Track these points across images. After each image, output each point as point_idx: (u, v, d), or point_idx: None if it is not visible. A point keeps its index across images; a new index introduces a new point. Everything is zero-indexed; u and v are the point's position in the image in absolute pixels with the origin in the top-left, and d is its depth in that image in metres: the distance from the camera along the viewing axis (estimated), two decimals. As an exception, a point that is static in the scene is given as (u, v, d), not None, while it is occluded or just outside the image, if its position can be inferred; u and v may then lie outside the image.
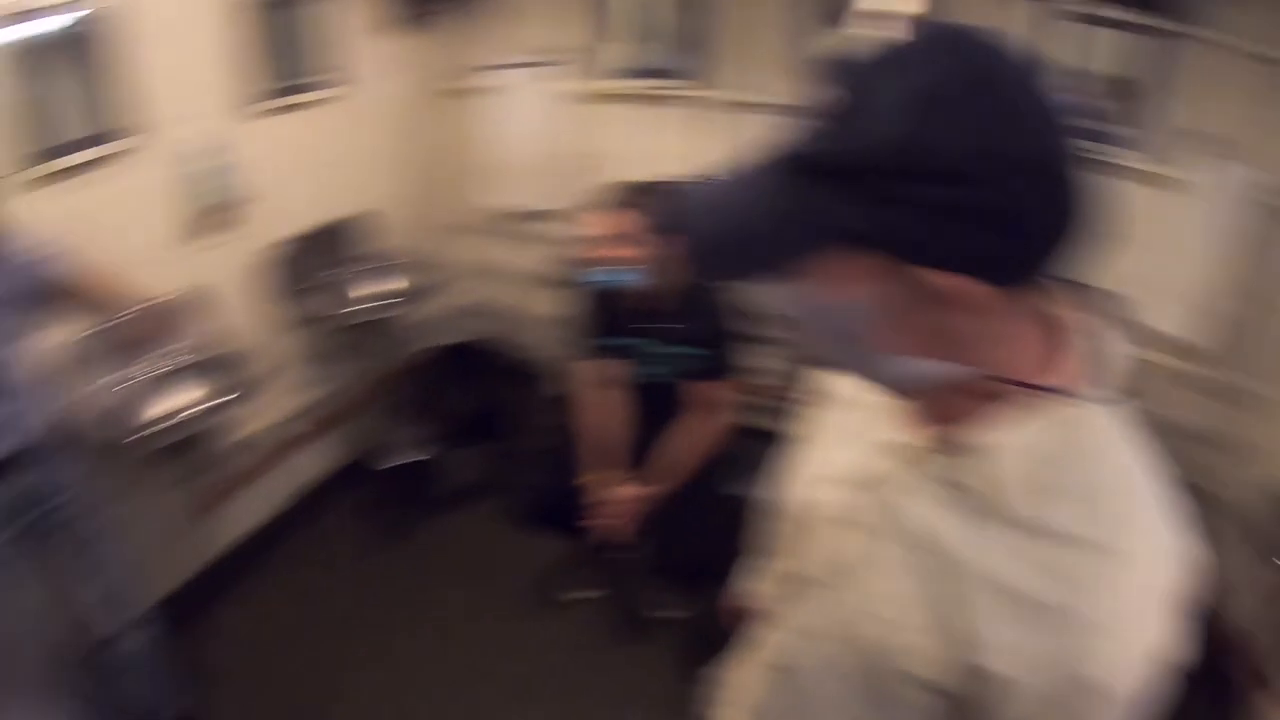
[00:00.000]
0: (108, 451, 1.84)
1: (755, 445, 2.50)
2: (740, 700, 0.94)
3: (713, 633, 1.13)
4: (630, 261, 1.92)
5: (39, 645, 1.77)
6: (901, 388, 0.68)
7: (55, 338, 1.72)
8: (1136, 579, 0.62)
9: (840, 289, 0.60)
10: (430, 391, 2.79)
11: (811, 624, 0.81)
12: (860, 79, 0.56)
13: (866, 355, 0.64)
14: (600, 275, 1.98)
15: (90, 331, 1.79)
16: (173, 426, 1.86)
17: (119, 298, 1.73)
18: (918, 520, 0.69)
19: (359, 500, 2.76)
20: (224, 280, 2.22)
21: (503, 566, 2.60)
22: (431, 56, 2.84)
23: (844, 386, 0.84)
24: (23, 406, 1.58)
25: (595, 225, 1.97)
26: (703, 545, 2.21)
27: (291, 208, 2.41)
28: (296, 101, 2.33)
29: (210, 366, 2.00)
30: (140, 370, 1.88)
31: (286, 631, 2.35)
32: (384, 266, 2.61)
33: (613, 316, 2.12)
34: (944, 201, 0.53)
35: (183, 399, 1.94)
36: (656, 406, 2.15)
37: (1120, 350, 0.67)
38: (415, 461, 2.73)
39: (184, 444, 2.02)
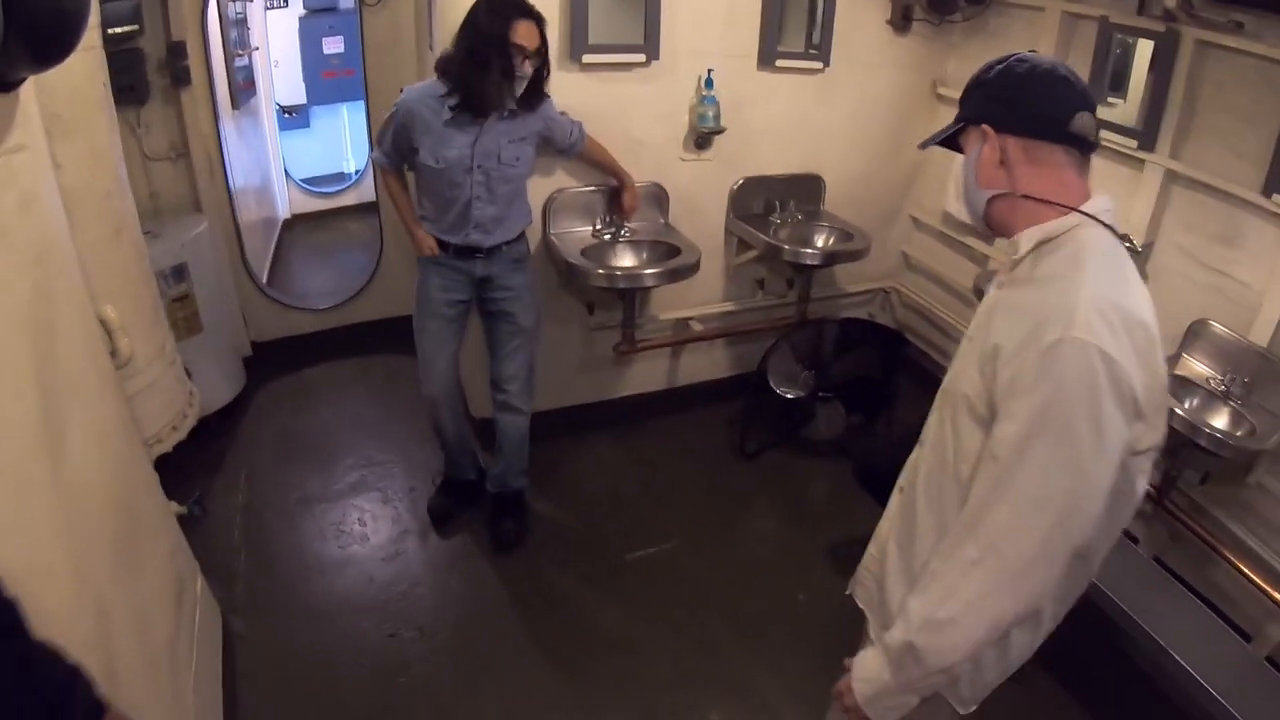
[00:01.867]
0: (567, 280, 2.78)
1: None
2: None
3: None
4: None
5: (451, 387, 2.64)
6: (981, 211, 1.19)
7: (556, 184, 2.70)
8: (1093, 297, 1.00)
9: (966, 150, 1.19)
10: (828, 347, 3.24)
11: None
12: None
13: (969, 190, 1.19)
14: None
15: (587, 189, 2.73)
16: (621, 276, 2.71)
17: (614, 170, 2.64)
18: (987, 303, 1.19)
19: (736, 409, 3.39)
20: (696, 188, 3.05)
21: (822, 515, 2.98)
22: (934, 61, 3.29)
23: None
24: (514, 215, 2.46)
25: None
26: None
27: (762, 153, 3.12)
28: (793, 67, 2.99)
29: (660, 248, 2.82)
30: (609, 230, 2.81)
31: (620, 483, 3.10)
32: (829, 226, 3.20)
33: None
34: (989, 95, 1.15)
35: (631, 260, 2.80)
36: None
37: (1114, 205, 1.12)
38: (796, 398, 3.24)
39: (625, 296, 2.91)
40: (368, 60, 3.41)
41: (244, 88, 3.98)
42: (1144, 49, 2.58)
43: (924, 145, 1.28)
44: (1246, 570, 2.44)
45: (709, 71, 2.83)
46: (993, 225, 1.21)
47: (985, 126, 1.14)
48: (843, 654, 1.32)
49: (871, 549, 1.44)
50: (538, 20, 2.21)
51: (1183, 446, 2.50)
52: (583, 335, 3.17)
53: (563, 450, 3.19)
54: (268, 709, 2.12)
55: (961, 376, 1.18)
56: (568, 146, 2.60)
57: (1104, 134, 2.73)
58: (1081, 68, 2.74)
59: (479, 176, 2.32)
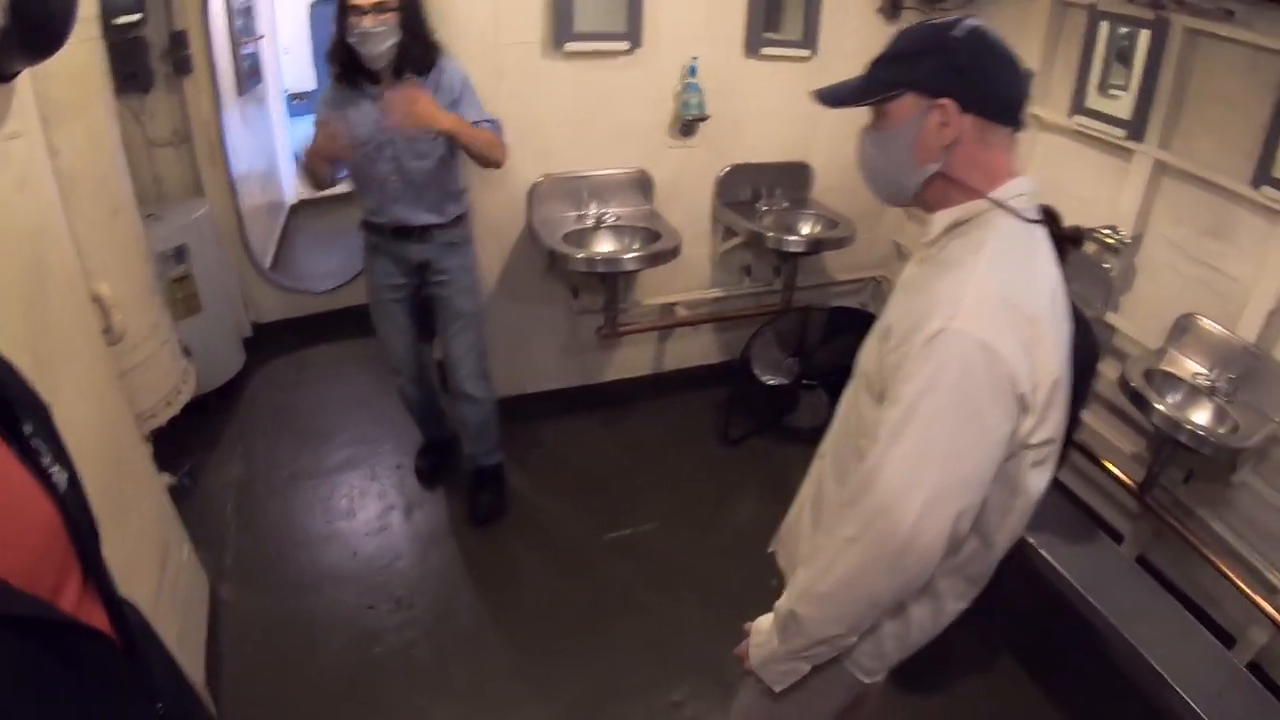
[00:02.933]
0: (551, 265, 2.96)
1: (1052, 501, 2.58)
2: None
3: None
4: None
5: (411, 363, 2.80)
6: (912, 190, 1.19)
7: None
8: (982, 289, 1.05)
9: (894, 120, 1.16)
10: (813, 335, 3.36)
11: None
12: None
13: (896, 166, 1.18)
14: None
15: (571, 175, 2.90)
16: (601, 261, 2.87)
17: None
18: (900, 280, 1.27)
19: (722, 395, 3.54)
20: (681, 174, 3.20)
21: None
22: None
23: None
24: (439, 196, 2.49)
25: None
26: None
27: (748, 140, 3.25)
28: (780, 55, 3.12)
29: (643, 234, 2.98)
30: (591, 216, 2.98)
31: (602, 465, 3.26)
32: (815, 214, 3.34)
33: None
34: (953, 66, 1.10)
35: (615, 246, 2.97)
36: None
37: (1033, 188, 1.15)
38: (779, 385, 3.37)
39: (607, 281, 3.07)
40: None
41: (250, 75, 4.21)
42: (1143, 39, 2.63)
43: (837, 103, 1.23)
44: (1229, 572, 2.50)
45: (693, 59, 2.97)
46: (918, 200, 1.22)
47: (947, 102, 1.11)
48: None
49: (791, 511, 1.55)
50: None
51: (1165, 443, 2.59)
52: (567, 320, 3.35)
53: (547, 432, 3.38)
54: (250, 673, 2.31)
55: (866, 352, 1.28)
56: (477, 119, 2.49)
57: (1094, 124, 2.83)
58: (1071, 57, 2.85)
59: (389, 152, 2.40)
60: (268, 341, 3.71)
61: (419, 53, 2.35)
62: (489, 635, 2.50)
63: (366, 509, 2.93)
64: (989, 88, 1.12)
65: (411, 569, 2.70)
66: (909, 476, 1.07)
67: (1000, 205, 1.13)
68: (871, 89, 1.18)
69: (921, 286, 1.15)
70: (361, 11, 2.21)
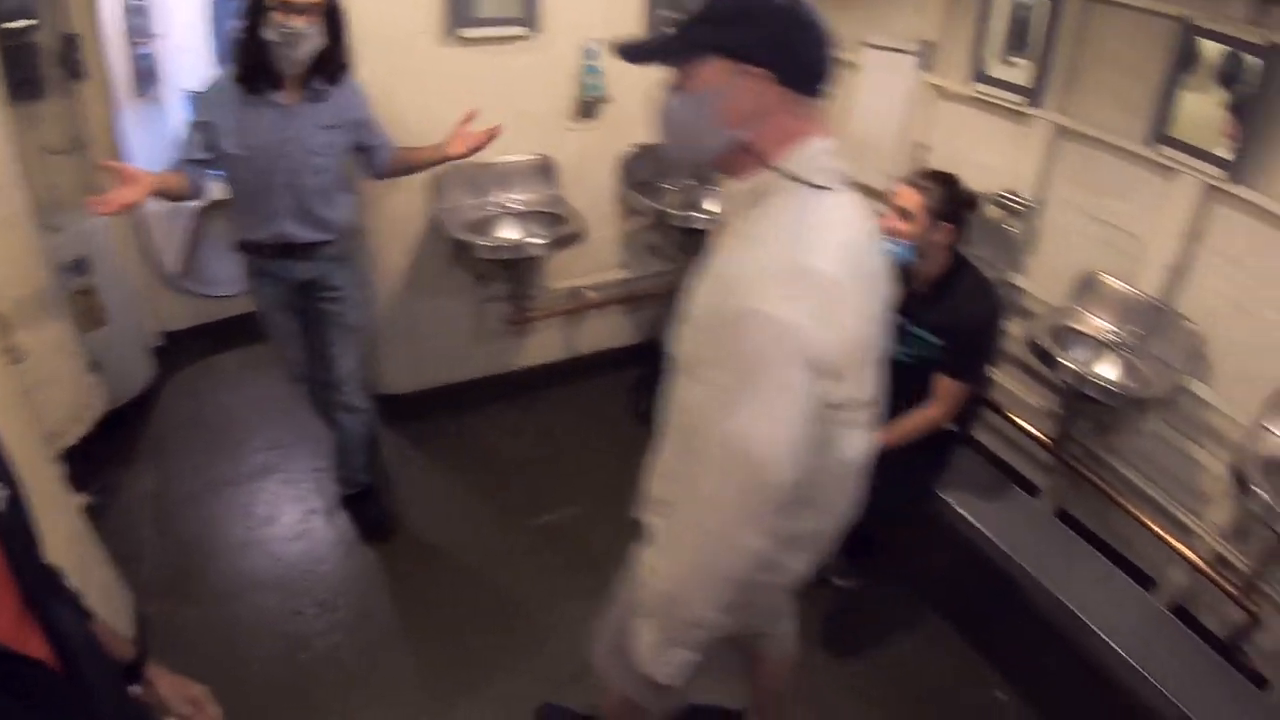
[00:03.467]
0: (456, 254, 2.98)
1: (966, 457, 2.70)
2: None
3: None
4: (901, 236, 2.33)
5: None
6: (710, 155, 1.19)
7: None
8: (775, 263, 1.07)
9: (702, 82, 1.14)
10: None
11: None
12: None
13: (698, 130, 1.16)
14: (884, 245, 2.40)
15: (473, 163, 2.91)
16: (507, 247, 2.89)
17: (435, 156, 2.57)
18: (713, 252, 1.24)
19: (633, 376, 3.64)
20: (584, 157, 3.24)
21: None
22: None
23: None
24: (329, 213, 2.40)
25: (893, 197, 2.39)
26: (873, 523, 2.54)
27: (651, 120, 3.30)
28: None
29: (548, 219, 3.02)
30: (495, 204, 3.00)
31: (523, 452, 3.30)
32: (717, 190, 3.38)
33: None
34: (770, 35, 1.09)
35: (519, 233, 3.00)
36: (908, 386, 2.50)
37: (833, 157, 1.17)
38: None
39: (513, 267, 3.10)
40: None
41: (147, 76, 4.14)
42: (1041, 7, 2.71)
43: (639, 59, 1.23)
44: (1145, 518, 2.64)
45: (592, 41, 3.01)
46: (717, 165, 1.21)
47: (760, 71, 1.11)
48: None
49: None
50: None
51: (1075, 398, 2.72)
52: (474, 309, 3.38)
53: (463, 423, 3.41)
54: (177, 687, 2.31)
55: (679, 334, 1.27)
56: (377, 145, 2.51)
57: (994, 91, 2.94)
58: (970, 26, 2.95)
59: (284, 165, 2.28)
60: (179, 350, 3.66)
61: (337, 61, 2.28)
62: (417, 633, 2.52)
63: (286, 514, 2.93)
64: (803, 60, 1.13)
65: (335, 572, 2.71)
66: (725, 458, 1.11)
67: (793, 178, 1.14)
68: (681, 49, 1.16)
69: (718, 266, 1.18)
70: (293, 9, 2.09)
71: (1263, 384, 2.35)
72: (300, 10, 2.10)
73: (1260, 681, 2.41)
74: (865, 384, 1.19)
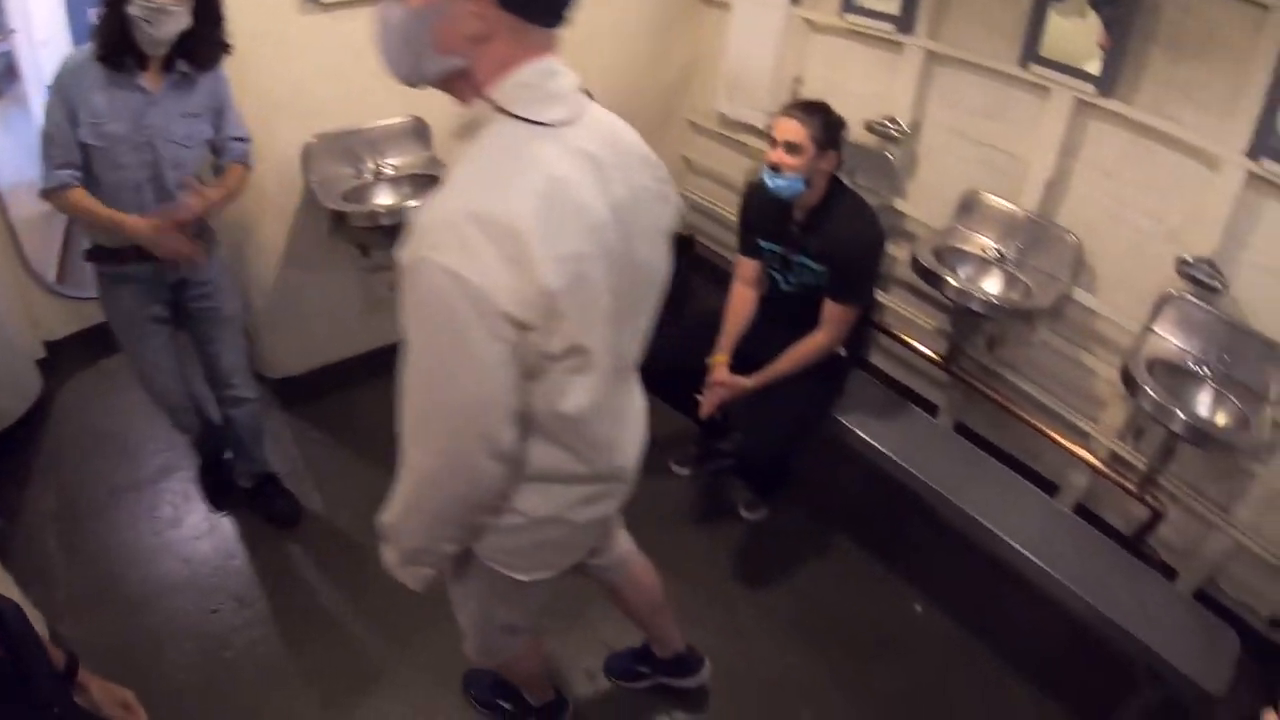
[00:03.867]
0: (335, 225, 2.93)
1: (863, 381, 2.79)
2: None
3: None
4: (790, 169, 2.35)
5: (179, 391, 2.66)
6: (430, 78, 1.10)
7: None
8: (450, 209, 1.01)
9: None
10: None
11: None
12: None
13: (413, 51, 1.06)
14: (767, 178, 2.41)
15: (346, 130, 2.87)
16: (384, 214, 2.83)
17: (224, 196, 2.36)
18: None
19: None
20: (459, 116, 3.16)
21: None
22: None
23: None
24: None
25: (774, 130, 2.39)
26: (771, 450, 2.62)
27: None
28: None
29: (426, 181, 2.97)
30: (370, 171, 2.96)
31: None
32: None
33: (765, 219, 2.57)
34: None
35: (395, 198, 2.95)
36: (796, 314, 2.56)
37: (559, 84, 1.08)
38: None
39: (394, 234, 3.04)
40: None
41: (5, 75, 3.94)
42: None
43: None
44: (1042, 426, 2.77)
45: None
46: (445, 89, 1.13)
47: None
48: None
49: None
50: None
51: (963, 315, 2.82)
52: (360, 279, 3.30)
53: (362, 398, 3.37)
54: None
55: None
56: (236, 135, 2.37)
57: (865, 21, 2.98)
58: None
59: (147, 155, 2.15)
60: (64, 359, 3.52)
61: (209, 45, 2.14)
62: (339, 617, 2.52)
63: (192, 513, 2.87)
64: None
65: (247, 566, 2.68)
66: (426, 406, 1.13)
67: (502, 110, 1.07)
68: None
69: (423, 204, 1.09)
70: None
71: (1143, 289, 2.47)
72: None
73: (1171, 573, 2.56)
74: (594, 332, 1.14)
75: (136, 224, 2.14)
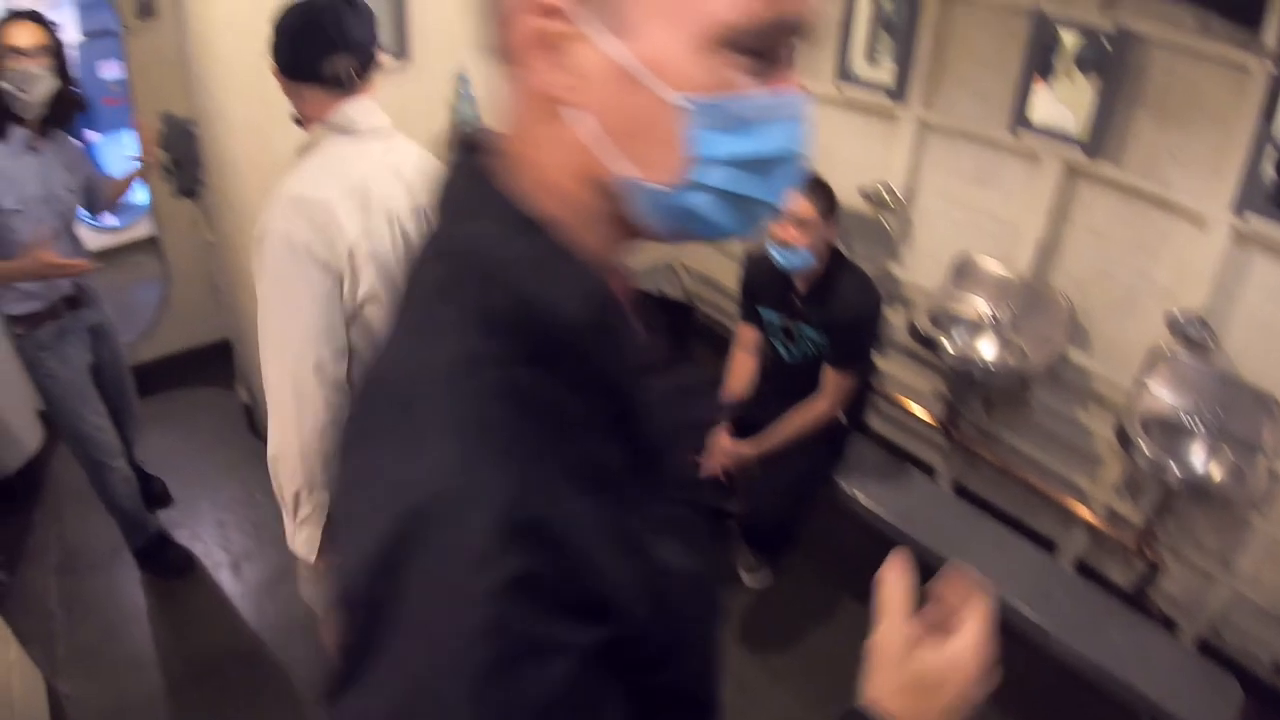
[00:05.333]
0: None
1: (862, 446, 2.86)
2: None
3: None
4: (804, 244, 2.43)
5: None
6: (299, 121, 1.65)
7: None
8: (283, 193, 1.51)
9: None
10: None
11: None
12: None
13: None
14: (777, 254, 2.49)
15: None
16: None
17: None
18: None
19: None
20: None
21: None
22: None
23: None
24: (77, 248, 2.49)
25: (791, 206, 2.46)
26: (776, 517, 2.69)
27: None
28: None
29: None
30: None
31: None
32: None
33: (767, 289, 2.67)
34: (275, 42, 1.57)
35: None
36: (800, 383, 2.65)
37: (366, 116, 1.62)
38: None
39: None
40: (136, 87, 3.51)
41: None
42: (901, 7, 2.88)
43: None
44: (1040, 485, 2.83)
45: (464, 70, 3.06)
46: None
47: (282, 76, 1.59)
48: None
49: None
50: (35, 19, 2.24)
51: (960, 379, 2.90)
52: None
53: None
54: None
55: None
56: (100, 179, 2.64)
57: (857, 90, 3.09)
58: (828, 28, 3.09)
59: (52, 209, 2.38)
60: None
61: (72, 103, 2.38)
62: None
63: (193, 569, 2.92)
64: (293, 59, 1.56)
65: (251, 624, 2.72)
66: (268, 344, 1.51)
67: (330, 128, 1.58)
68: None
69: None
70: (23, 53, 2.18)
71: (1135, 346, 2.54)
72: (27, 54, 2.19)
73: (1170, 625, 2.60)
74: (371, 281, 1.54)
75: (16, 263, 2.26)
